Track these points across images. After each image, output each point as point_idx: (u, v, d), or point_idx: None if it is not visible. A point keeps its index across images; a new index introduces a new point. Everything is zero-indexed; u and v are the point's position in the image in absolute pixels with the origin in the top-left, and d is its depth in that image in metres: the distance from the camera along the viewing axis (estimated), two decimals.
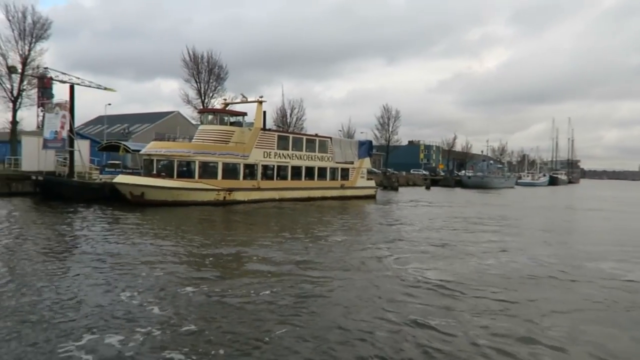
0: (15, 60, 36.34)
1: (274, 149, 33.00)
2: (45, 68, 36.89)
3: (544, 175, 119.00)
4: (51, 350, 6.38)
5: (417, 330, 7.62)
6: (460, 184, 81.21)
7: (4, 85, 36.52)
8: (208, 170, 28.86)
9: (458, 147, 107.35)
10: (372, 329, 7.62)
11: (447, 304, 9.08)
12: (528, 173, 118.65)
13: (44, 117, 32.93)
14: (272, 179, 32.90)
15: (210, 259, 12.82)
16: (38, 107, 40.65)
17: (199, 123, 36.25)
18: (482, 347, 6.97)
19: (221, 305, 8.57)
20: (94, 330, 7.12)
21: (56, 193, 27.99)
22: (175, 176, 27.87)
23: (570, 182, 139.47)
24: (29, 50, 36.63)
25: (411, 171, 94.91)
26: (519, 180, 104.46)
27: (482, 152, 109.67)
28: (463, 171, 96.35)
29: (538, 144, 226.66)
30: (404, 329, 7.69)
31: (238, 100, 36.51)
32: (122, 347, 6.55)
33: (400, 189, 61.39)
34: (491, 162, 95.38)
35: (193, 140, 31.26)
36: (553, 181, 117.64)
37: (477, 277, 11.50)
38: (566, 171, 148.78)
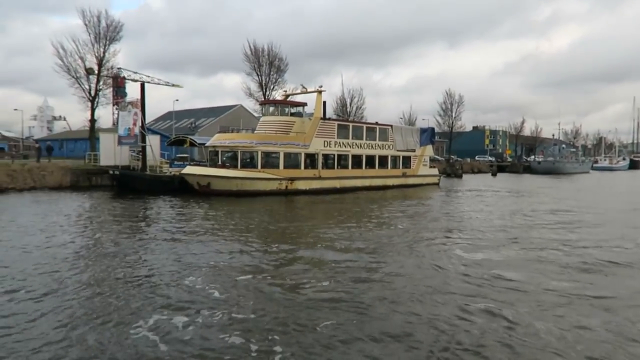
0: (92, 62, 38.88)
1: (334, 138, 33.12)
2: (119, 68, 38.96)
3: (624, 159, 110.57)
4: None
5: (484, 321, 7.45)
6: (529, 169, 77.46)
7: (82, 86, 39.22)
8: (270, 161, 29.51)
9: (527, 132, 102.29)
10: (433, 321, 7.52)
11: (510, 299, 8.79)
12: (605, 157, 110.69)
13: (118, 115, 35.02)
14: (332, 168, 33.06)
15: (274, 246, 13.15)
16: (113, 105, 43.21)
17: (261, 115, 37.05)
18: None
19: (281, 294, 8.74)
20: (163, 307, 7.63)
21: (131, 186, 29.83)
22: (239, 166, 28.76)
23: None
24: (104, 52, 39.05)
25: (476, 157, 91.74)
26: (594, 165, 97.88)
27: (553, 135, 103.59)
28: (532, 156, 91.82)
29: (616, 126, 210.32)
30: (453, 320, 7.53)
31: (298, 91, 36.91)
32: (184, 327, 6.99)
33: (465, 176, 59.62)
34: (563, 146, 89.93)
35: (255, 131, 32.05)
36: (634, 165, 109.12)
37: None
38: None
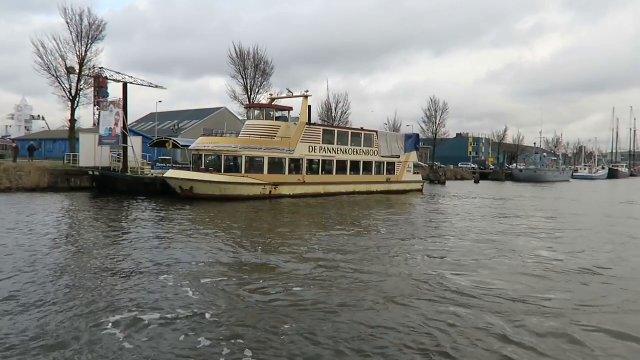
0: (73, 61, 38.07)
1: (319, 143, 32.96)
2: (101, 68, 38.28)
3: (603, 168, 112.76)
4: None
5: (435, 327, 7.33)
6: (512, 177, 78.40)
7: (63, 85, 38.34)
8: (254, 165, 29.21)
9: (509, 140, 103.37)
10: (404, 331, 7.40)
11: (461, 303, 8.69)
12: (585, 166, 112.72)
13: (99, 115, 34.37)
14: (317, 173, 32.89)
15: (251, 251, 12.91)
16: (94, 105, 42.57)
17: (246, 118, 36.73)
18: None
19: (251, 296, 8.68)
20: (136, 307, 7.41)
21: (111, 187, 29.24)
22: (222, 171, 28.40)
23: (632, 175, 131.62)
24: (86, 51, 38.23)
25: (459, 165, 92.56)
26: (575, 174, 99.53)
27: (535, 144, 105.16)
28: (514, 164, 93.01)
29: (596, 135, 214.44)
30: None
31: (284, 95, 36.70)
32: (153, 327, 6.88)
33: (448, 183, 60.02)
34: (545, 154, 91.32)
35: (240, 135, 31.73)
36: (613, 174, 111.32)
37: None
38: (627, 163, 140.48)
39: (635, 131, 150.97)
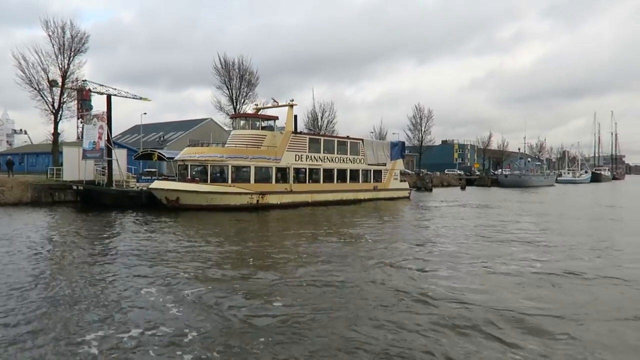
0: (55, 74, 37.68)
1: (305, 152, 32.96)
2: (84, 81, 38.06)
3: (586, 172, 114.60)
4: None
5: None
6: (497, 183, 79.16)
7: (45, 99, 37.91)
8: (241, 175, 29.08)
9: (494, 146, 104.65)
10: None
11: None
12: (568, 170, 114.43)
13: (83, 128, 33.98)
14: (304, 182, 32.84)
15: (235, 261, 12.80)
16: (78, 118, 42.07)
17: (232, 129, 36.64)
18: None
19: (232, 312, 8.45)
20: (111, 320, 7.26)
21: (96, 201, 28.83)
22: (209, 181, 28.22)
23: (614, 178, 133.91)
24: (69, 64, 37.91)
25: (445, 171, 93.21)
26: (559, 178, 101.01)
27: (519, 149, 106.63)
28: (500, 170, 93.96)
29: (579, 140, 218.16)
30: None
31: (269, 105, 36.72)
32: (131, 338, 6.73)
33: (435, 190, 60.35)
34: (529, 159, 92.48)
35: (226, 145, 31.61)
36: (596, 178, 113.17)
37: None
38: (609, 167, 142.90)
39: (616, 135, 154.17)
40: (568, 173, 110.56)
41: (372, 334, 7.29)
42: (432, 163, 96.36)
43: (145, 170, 42.86)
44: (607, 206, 36.16)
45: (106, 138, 30.36)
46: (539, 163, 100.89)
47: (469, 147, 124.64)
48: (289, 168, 31.59)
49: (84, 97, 41.35)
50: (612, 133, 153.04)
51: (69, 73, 37.96)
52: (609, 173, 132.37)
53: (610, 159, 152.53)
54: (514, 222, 23.58)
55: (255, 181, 29.49)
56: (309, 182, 33.25)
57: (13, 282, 10.13)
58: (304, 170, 32.93)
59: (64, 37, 37.42)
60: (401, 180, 42.77)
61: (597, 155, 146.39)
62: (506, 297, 9.40)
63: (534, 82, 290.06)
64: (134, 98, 35.64)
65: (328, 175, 34.80)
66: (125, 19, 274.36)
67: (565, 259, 13.56)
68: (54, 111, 38.19)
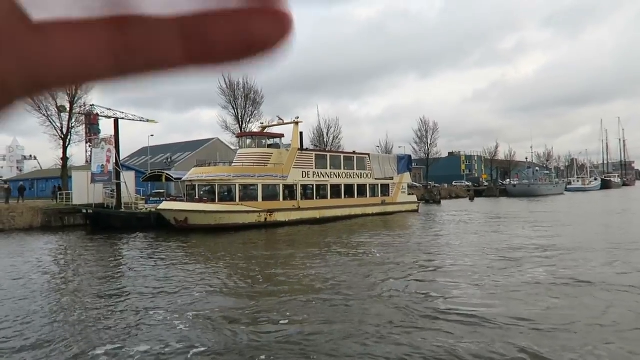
0: (63, 99, 38.26)
1: (312, 168, 33.01)
2: (92, 105, 38.66)
3: (595, 179, 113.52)
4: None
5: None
6: (506, 193, 78.66)
7: (54, 124, 38.47)
8: (248, 193, 29.14)
9: (501, 156, 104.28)
10: None
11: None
12: (578, 178, 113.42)
13: (91, 152, 34.36)
14: (311, 198, 32.83)
15: (244, 283, 12.73)
16: (86, 142, 42.55)
17: (238, 147, 36.86)
18: None
19: (242, 328, 8.43)
20: (121, 337, 7.22)
21: (106, 224, 28.98)
22: (217, 200, 28.29)
23: (625, 184, 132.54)
24: (76, 89, 38.51)
25: (453, 183, 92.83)
26: (568, 186, 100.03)
27: (526, 159, 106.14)
28: (508, 180, 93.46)
29: (586, 147, 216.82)
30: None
31: (275, 123, 36.96)
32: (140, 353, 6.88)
33: (443, 202, 60.04)
34: (537, 168, 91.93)
35: (233, 164, 31.75)
36: (606, 185, 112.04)
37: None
38: (619, 173, 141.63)
39: (624, 141, 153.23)
40: (577, 181, 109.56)
41: (379, 350, 7.18)
42: (440, 175, 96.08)
43: (153, 191, 43.09)
44: (619, 213, 35.74)
45: (114, 161, 30.65)
46: (548, 172, 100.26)
47: (475, 158, 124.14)
48: (296, 185, 31.62)
49: (91, 122, 41.93)
50: (619, 139, 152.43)
51: (76, 98, 38.54)
52: (619, 180, 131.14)
53: (619, 166, 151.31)
54: (527, 234, 23.34)
55: (263, 199, 29.52)
56: (316, 198, 33.21)
57: (23, 303, 10.15)
58: (311, 186, 32.94)
59: None
60: (409, 194, 42.62)
61: (605, 162, 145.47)
62: (522, 310, 9.25)
63: (537, 91, 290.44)
64: (140, 120, 36.11)
65: (335, 191, 34.76)
66: None
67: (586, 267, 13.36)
68: (62, 136, 38.69)
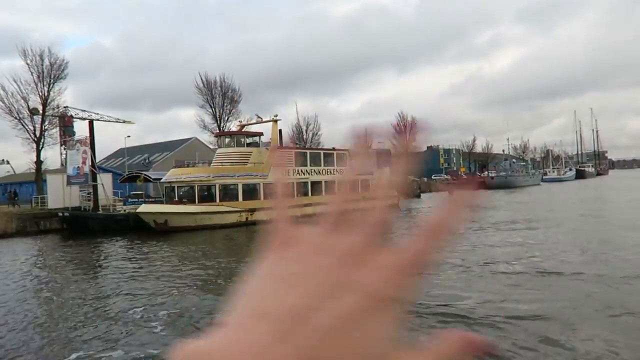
0: (35, 102, 37.44)
1: (292, 166, 32.97)
2: (65, 107, 37.87)
3: (570, 170, 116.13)
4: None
5: None
6: (484, 185, 79.83)
7: (26, 127, 37.60)
8: (229, 193, 28.96)
9: (478, 149, 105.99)
10: None
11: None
12: (553, 169, 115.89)
13: (66, 154, 33.69)
14: (292, 196, 32.70)
15: (223, 281, 12.68)
16: (60, 145, 41.64)
17: (217, 147, 36.59)
18: None
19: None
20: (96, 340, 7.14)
21: (83, 227, 28.41)
22: (197, 201, 28.04)
23: (599, 174, 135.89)
24: (49, 91, 37.73)
25: (432, 177, 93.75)
26: (544, 177, 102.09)
27: (503, 151, 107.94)
28: (486, 172, 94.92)
29: (561, 138, 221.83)
30: None
31: (253, 121, 36.79)
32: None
33: (423, 196, 60.59)
34: (514, 160, 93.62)
35: (212, 164, 31.50)
36: (580, 175, 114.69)
37: None
38: (593, 163, 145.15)
39: (597, 132, 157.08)
40: (553, 171, 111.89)
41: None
42: (419, 169, 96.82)
43: (131, 193, 42.45)
44: (593, 201, 36.62)
45: (90, 163, 30.12)
46: (524, 163, 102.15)
47: (454, 152, 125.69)
48: None
49: (66, 124, 40.92)
50: (593, 130, 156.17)
51: (49, 100, 37.81)
52: (593, 169, 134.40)
53: (593, 155, 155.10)
54: (507, 222, 23.74)
55: (244, 198, 29.38)
56: (297, 195, 33.17)
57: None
58: (291, 184, 32.79)
59: (42, 65, 37.32)
60: None
61: (580, 152, 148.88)
62: (500, 301, 9.43)
63: (513, 85, 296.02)
64: (117, 122, 35.47)
65: (316, 187, 34.79)
66: (105, 43, 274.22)
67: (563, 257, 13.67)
68: (35, 139, 37.85)
